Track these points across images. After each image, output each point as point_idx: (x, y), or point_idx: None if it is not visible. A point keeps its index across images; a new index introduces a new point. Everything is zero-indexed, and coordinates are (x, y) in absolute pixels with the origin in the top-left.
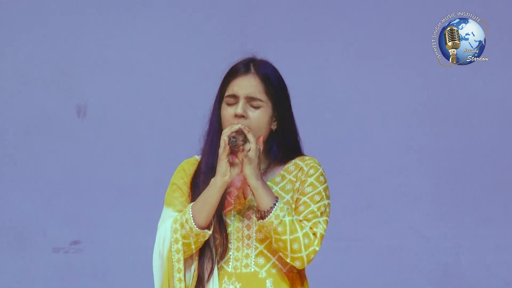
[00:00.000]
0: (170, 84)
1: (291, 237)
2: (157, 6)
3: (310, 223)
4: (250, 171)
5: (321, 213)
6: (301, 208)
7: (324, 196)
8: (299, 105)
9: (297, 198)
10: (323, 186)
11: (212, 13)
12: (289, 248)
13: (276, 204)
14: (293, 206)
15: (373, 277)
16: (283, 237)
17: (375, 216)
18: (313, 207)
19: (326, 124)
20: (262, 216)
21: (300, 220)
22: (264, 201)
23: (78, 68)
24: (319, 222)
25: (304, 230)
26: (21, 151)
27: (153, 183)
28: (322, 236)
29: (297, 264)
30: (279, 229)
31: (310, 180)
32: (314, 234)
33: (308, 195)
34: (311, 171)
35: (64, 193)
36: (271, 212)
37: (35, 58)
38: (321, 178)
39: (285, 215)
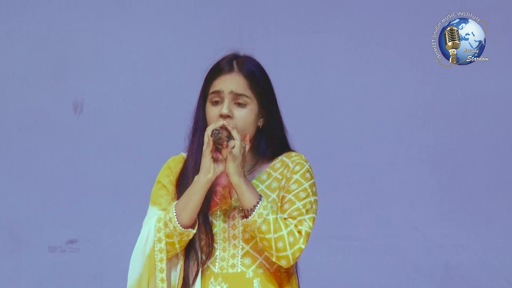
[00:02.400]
0: (167, 81)
1: (276, 235)
2: (154, 2)
3: (295, 221)
4: (233, 169)
5: (307, 211)
6: (286, 206)
7: (310, 193)
8: (299, 101)
9: (283, 196)
10: (309, 182)
11: (210, 9)
12: (273, 247)
13: (260, 202)
14: (279, 204)
15: (374, 277)
16: (267, 236)
17: (375, 215)
18: (298, 204)
19: (326, 121)
20: (245, 215)
21: (285, 218)
22: (247, 200)
23: (75, 64)
24: (305, 220)
25: (288, 228)
26: (16, 149)
27: (150, 181)
28: (307, 234)
29: (283, 263)
30: (263, 227)
31: (295, 177)
32: (299, 232)
33: (293, 192)
34: (297, 168)
35: (61, 191)
36: (254, 211)
37: (30, 54)
38: (307, 175)
39: (268, 213)
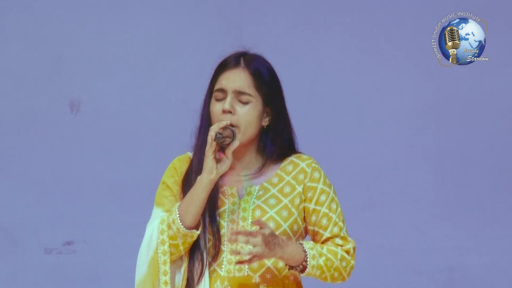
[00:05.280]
0: (166, 80)
1: (330, 272)
2: (152, 0)
3: (341, 241)
4: (268, 256)
5: (343, 221)
6: (324, 222)
7: (337, 200)
8: (299, 101)
9: (314, 209)
10: (332, 189)
11: (210, 7)
12: (330, 279)
13: (307, 257)
14: (293, 210)
15: (376, 279)
16: (322, 275)
17: (378, 216)
18: (335, 217)
19: (328, 121)
20: (295, 268)
21: (329, 238)
22: (293, 261)
23: (71, 63)
24: (345, 233)
25: (339, 256)
26: (12, 149)
27: (148, 181)
28: (354, 249)
29: (339, 283)
30: (318, 273)
31: (319, 186)
32: (347, 252)
33: (326, 205)
34: (316, 175)
35: (57, 192)
36: (306, 268)
37: (26, 52)
38: (327, 181)
39: (318, 259)
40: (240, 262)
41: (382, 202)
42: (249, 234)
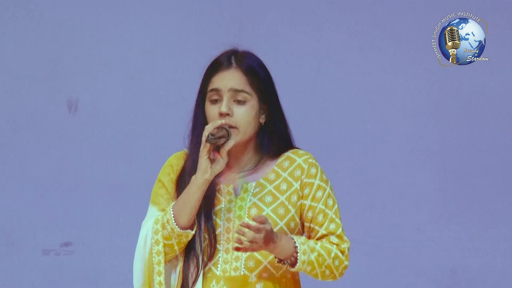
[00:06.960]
0: (164, 80)
1: (321, 269)
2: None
3: (336, 239)
4: (260, 249)
5: (339, 219)
6: (320, 218)
7: (334, 196)
8: (300, 100)
9: (310, 205)
10: (329, 185)
11: (209, 4)
12: (320, 276)
13: (297, 252)
14: (290, 207)
15: (378, 281)
16: (313, 272)
17: (379, 217)
18: (331, 214)
19: (328, 121)
20: (285, 261)
21: (325, 235)
22: (283, 255)
23: (69, 62)
24: (342, 231)
25: (332, 254)
26: (8, 149)
27: (146, 182)
28: (349, 249)
29: (329, 281)
30: (308, 268)
31: (316, 182)
32: (342, 252)
33: (322, 201)
34: (313, 171)
35: (54, 193)
36: (296, 264)
37: (23, 52)
38: (324, 177)
39: (309, 255)
40: (237, 249)
41: (384, 203)
42: (257, 229)
